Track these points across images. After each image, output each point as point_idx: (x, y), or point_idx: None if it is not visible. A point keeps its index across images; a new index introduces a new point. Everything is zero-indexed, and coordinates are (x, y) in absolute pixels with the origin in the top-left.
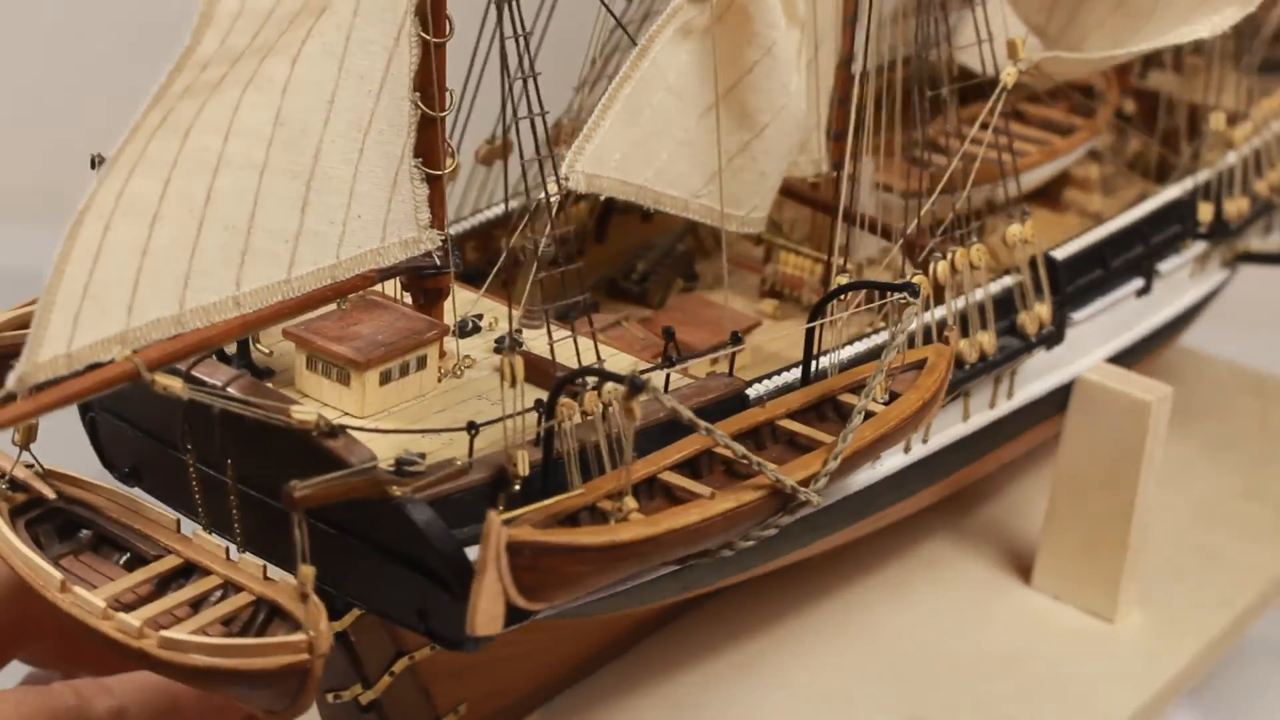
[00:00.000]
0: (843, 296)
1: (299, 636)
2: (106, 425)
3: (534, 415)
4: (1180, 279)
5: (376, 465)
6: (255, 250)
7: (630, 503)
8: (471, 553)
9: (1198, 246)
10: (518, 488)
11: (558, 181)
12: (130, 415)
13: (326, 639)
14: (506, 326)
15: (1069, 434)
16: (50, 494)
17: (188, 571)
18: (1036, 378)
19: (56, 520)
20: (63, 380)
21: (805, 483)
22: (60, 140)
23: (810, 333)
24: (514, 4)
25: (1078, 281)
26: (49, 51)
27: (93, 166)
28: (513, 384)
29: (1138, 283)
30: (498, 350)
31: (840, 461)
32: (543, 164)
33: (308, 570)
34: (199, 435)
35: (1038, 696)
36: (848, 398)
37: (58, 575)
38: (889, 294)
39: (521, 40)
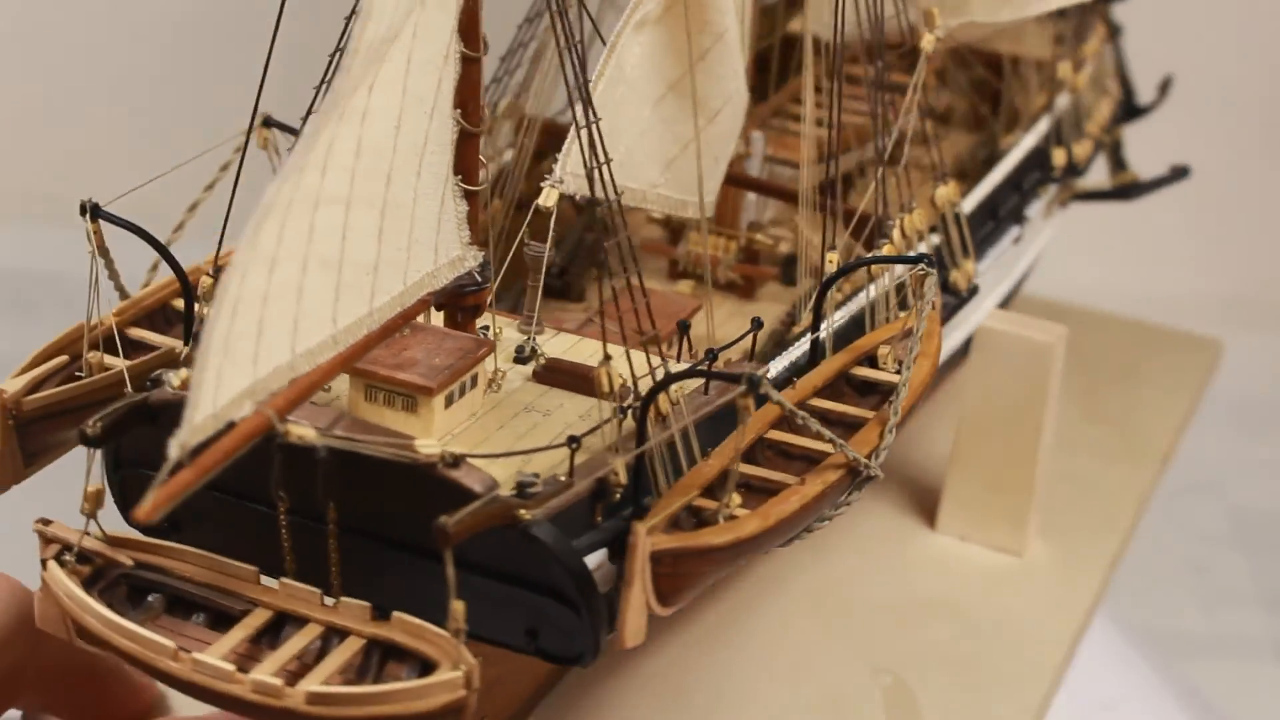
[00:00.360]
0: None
1: (454, 673)
2: (138, 481)
3: (613, 422)
4: (1038, 224)
5: (499, 490)
6: (346, 285)
7: (736, 498)
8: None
9: (1051, 190)
10: (618, 496)
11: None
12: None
13: (478, 673)
14: (513, 337)
15: (973, 381)
16: (128, 561)
17: (279, 623)
18: (952, 332)
19: (123, 586)
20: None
21: (869, 457)
22: (59, 140)
23: (819, 310)
24: (564, 15)
25: (978, 234)
26: (48, 51)
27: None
28: (609, 393)
29: (1015, 230)
30: (519, 360)
31: (894, 433)
32: (601, 172)
33: (459, 605)
34: (291, 480)
35: (984, 634)
36: (860, 371)
37: (170, 643)
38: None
39: (578, 49)
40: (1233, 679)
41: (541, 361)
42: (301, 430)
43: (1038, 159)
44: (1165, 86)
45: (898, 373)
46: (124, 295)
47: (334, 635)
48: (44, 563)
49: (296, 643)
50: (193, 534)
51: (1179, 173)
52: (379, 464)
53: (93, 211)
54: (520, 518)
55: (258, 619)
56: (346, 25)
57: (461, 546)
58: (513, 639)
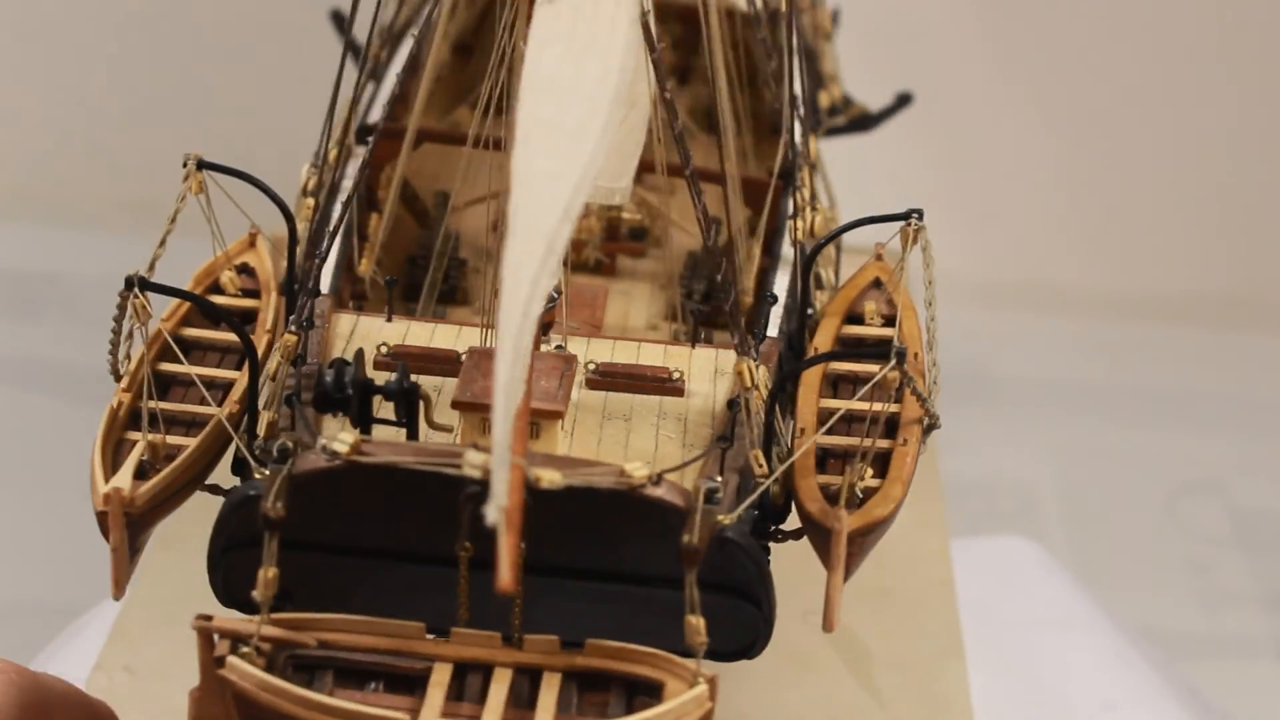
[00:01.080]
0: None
1: (701, 687)
2: (242, 559)
3: (756, 420)
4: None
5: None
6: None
7: (869, 470)
8: None
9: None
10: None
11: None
12: (294, 536)
13: (714, 682)
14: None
15: None
16: (310, 641)
17: (459, 674)
18: None
19: (289, 668)
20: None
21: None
22: (59, 140)
23: (807, 279)
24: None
25: None
26: (48, 51)
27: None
28: (751, 386)
29: None
30: None
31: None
32: (693, 181)
33: (697, 620)
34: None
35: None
36: (850, 329)
37: (403, 715)
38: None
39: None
40: (1233, 679)
41: (591, 368)
42: (550, 474)
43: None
44: (902, 100)
45: (888, 325)
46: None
47: (523, 676)
48: (219, 660)
49: (499, 690)
50: (312, 599)
51: (903, 100)
52: (579, 494)
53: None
54: (719, 524)
55: (444, 674)
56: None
57: (638, 558)
58: (677, 643)
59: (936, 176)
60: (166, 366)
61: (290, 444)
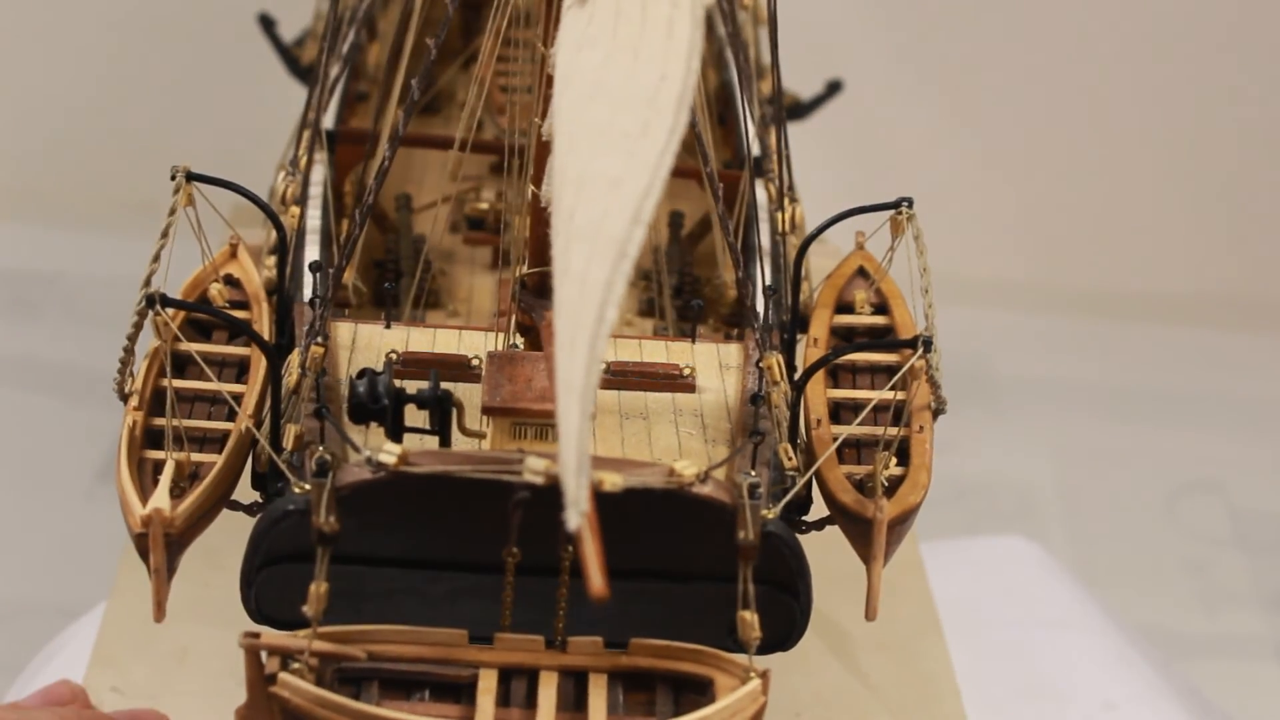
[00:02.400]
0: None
1: (755, 681)
2: (284, 576)
3: (781, 412)
4: None
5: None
6: None
7: (893, 459)
8: None
9: None
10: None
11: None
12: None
13: (767, 676)
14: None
15: None
16: (360, 654)
17: (505, 678)
18: None
19: (335, 681)
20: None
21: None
22: (56, 140)
23: (798, 271)
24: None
25: None
26: (46, 52)
27: None
28: (776, 381)
29: None
30: None
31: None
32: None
33: (751, 616)
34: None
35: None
36: (842, 319)
37: None
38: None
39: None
40: (1233, 679)
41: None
42: (612, 477)
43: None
44: (832, 89)
45: (879, 313)
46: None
47: (568, 678)
48: (269, 678)
49: (548, 694)
50: (341, 615)
51: (833, 88)
52: (629, 494)
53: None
54: (763, 519)
55: (491, 681)
56: None
57: (679, 555)
58: (715, 638)
59: (937, 175)
60: (178, 383)
61: (329, 457)
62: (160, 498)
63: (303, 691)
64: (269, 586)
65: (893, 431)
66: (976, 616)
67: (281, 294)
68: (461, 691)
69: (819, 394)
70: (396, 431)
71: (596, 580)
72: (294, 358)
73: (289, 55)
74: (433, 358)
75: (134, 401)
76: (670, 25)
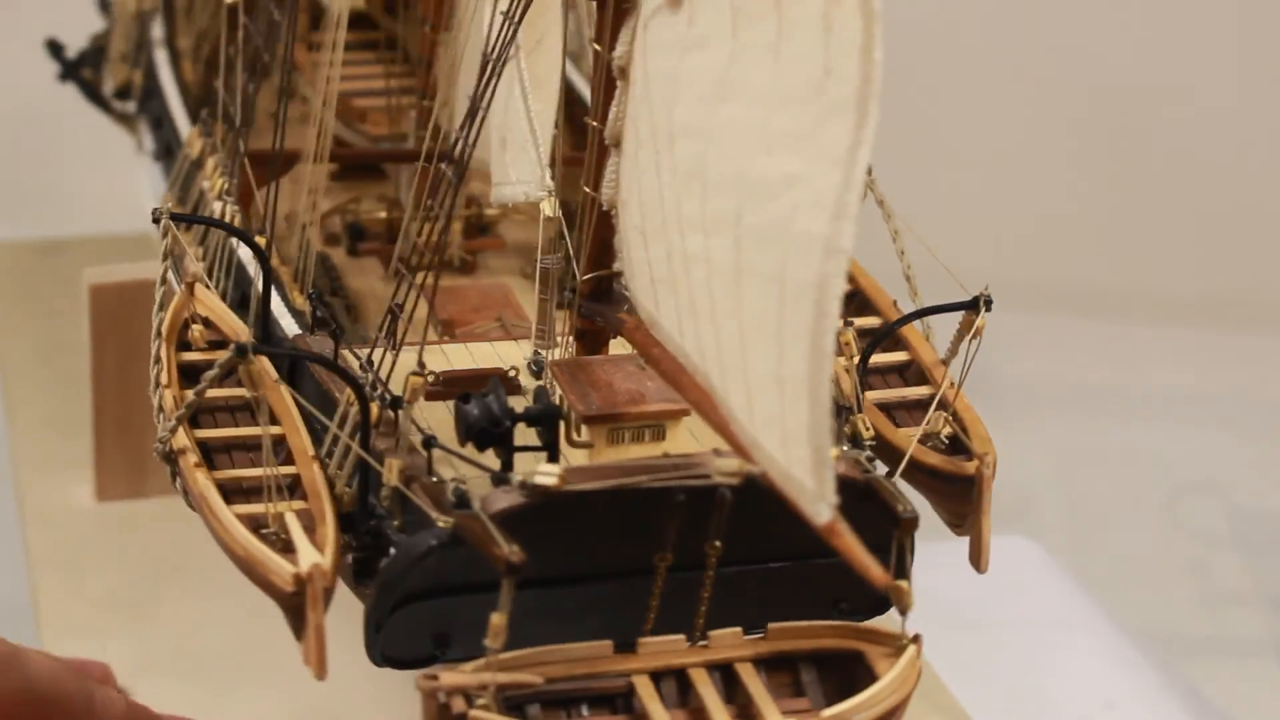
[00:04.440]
0: None
1: (910, 650)
2: (413, 615)
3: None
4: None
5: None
6: None
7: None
8: None
9: None
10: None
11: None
12: (460, 581)
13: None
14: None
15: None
16: (538, 680)
17: (656, 680)
18: None
19: (505, 706)
20: None
21: None
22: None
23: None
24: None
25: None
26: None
27: None
28: (852, 356)
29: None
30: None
31: None
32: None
33: (907, 584)
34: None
35: None
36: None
37: None
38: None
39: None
40: (1233, 679)
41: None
42: (752, 466)
43: None
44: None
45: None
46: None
47: (720, 670)
48: (460, 717)
49: (708, 691)
50: (471, 641)
51: None
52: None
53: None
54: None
55: (648, 686)
56: None
57: (796, 536)
58: (823, 611)
59: (936, 174)
60: (207, 432)
61: (464, 487)
62: (309, 553)
63: None
64: (397, 627)
65: (949, 390)
66: (976, 616)
67: (264, 322)
68: (617, 701)
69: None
70: (512, 452)
71: (878, 571)
72: (350, 394)
73: (84, 82)
74: (472, 374)
75: (192, 459)
76: (828, 20)
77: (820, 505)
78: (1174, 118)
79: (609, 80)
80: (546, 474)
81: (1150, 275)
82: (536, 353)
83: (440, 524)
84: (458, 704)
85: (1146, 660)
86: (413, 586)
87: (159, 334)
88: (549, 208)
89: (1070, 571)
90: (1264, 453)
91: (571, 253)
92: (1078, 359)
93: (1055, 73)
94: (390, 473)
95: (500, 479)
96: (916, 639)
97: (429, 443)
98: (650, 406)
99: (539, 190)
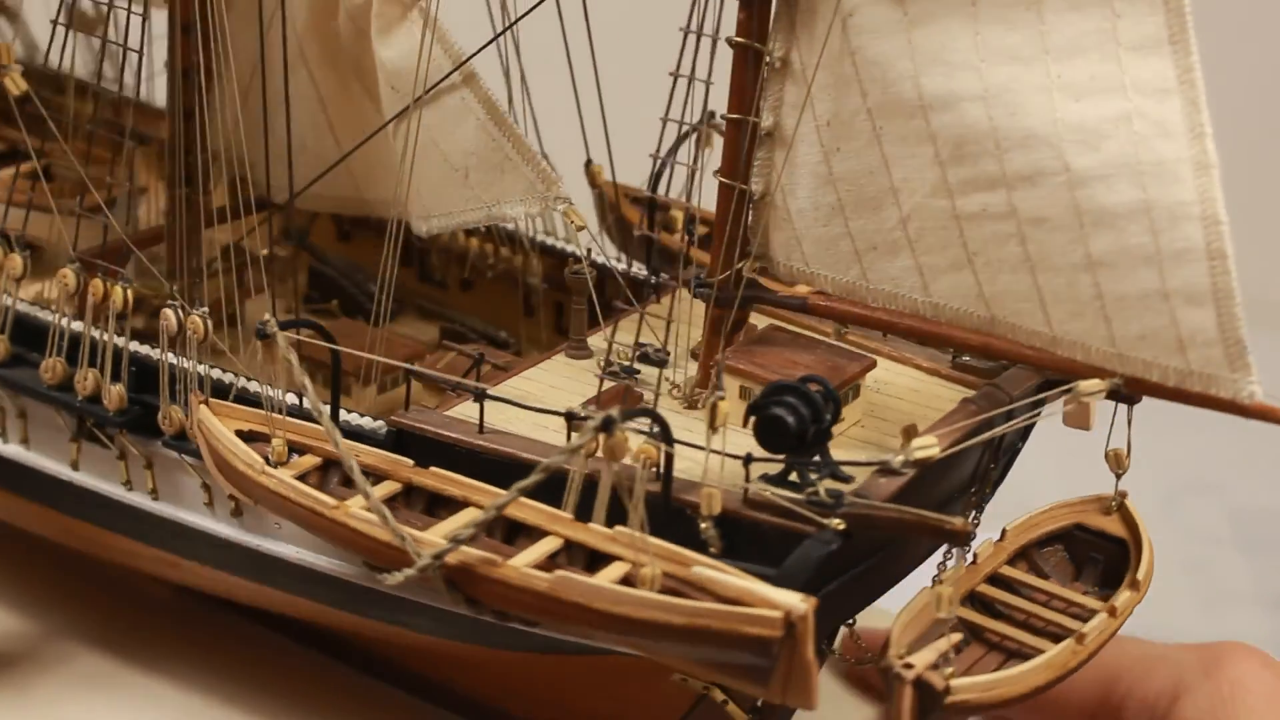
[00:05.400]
0: None
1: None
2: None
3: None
4: None
5: None
6: None
7: None
8: None
9: None
10: None
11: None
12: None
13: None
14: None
15: None
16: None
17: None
18: None
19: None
20: None
21: None
22: None
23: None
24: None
25: None
26: None
27: None
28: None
29: None
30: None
31: None
32: None
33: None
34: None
35: None
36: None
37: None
38: None
39: None
40: None
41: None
42: None
43: None
44: None
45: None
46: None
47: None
48: (945, 691)
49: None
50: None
51: None
52: None
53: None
54: None
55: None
56: None
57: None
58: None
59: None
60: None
61: (837, 488)
62: (783, 597)
63: (975, 684)
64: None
65: None
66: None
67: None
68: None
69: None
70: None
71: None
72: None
73: None
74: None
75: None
76: (1169, 31)
77: (1248, 387)
78: None
79: (750, 76)
80: (926, 446)
81: None
82: (640, 345)
83: (830, 525)
84: (937, 678)
85: None
86: (814, 589)
87: None
88: (576, 217)
89: None
90: (1264, 453)
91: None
92: None
93: None
94: (710, 504)
95: (885, 468)
96: (1125, 494)
97: (749, 459)
98: (851, 371)
99: (556, 203)
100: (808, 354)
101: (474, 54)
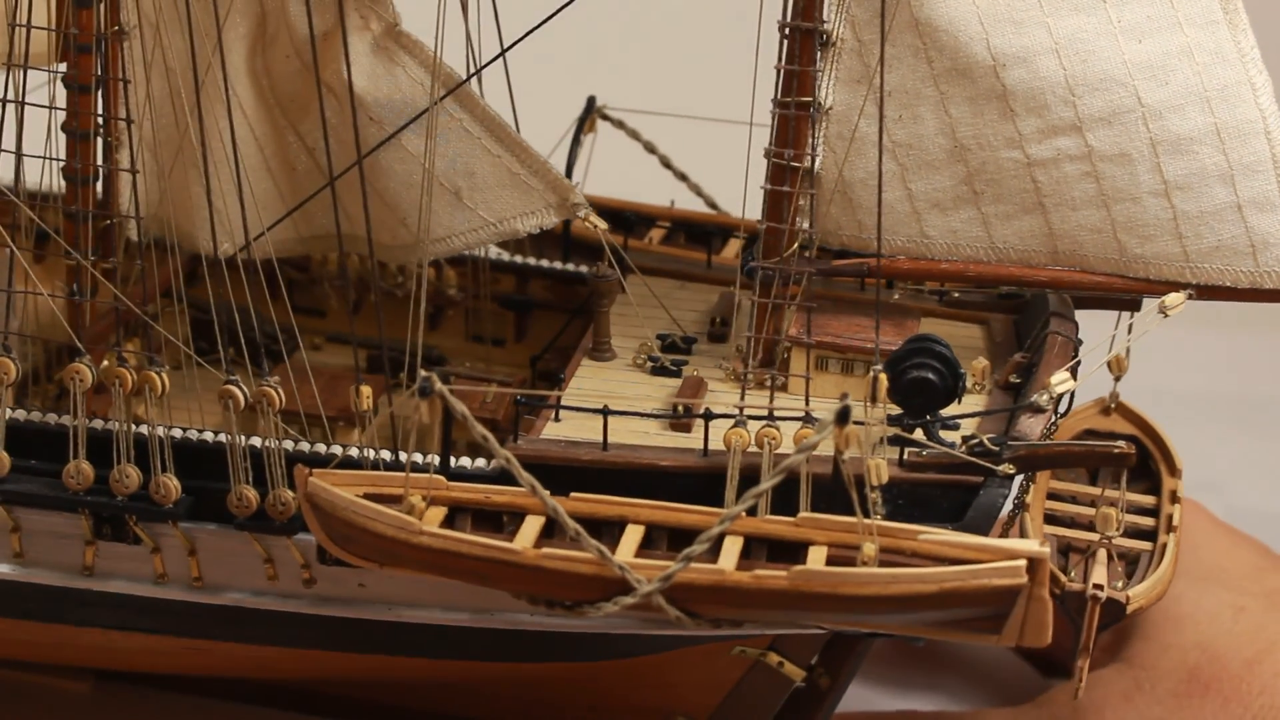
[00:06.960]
0: None
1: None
2: None
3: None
4: None
5: None
6: None
7: None
8: None
9: None
10: None
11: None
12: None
13: None
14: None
15: None
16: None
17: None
18: None
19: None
20: None
21: None
22: None
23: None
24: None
25: None
26: None
27: None
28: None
29: None
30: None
31: None
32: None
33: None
34: None
35: None
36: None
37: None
38: None
39: None
40: None
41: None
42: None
43: None
44: None
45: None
46: None
47: None
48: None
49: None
50: None
51: None
52: None
53: None
54: None
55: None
56: None
57: None
58: None
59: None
60: None
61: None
62: (1023, 544)
63: (1142, 591)
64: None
65: None
66: None
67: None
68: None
69: None
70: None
71: None
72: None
73: None
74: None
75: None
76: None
77: None
78: None
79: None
80: (1063, 382)
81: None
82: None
83: (1002, 472)
84: (1119, 595)
85: None
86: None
87: None
88: (597, 221)
89: None
90: (1264, 453)
91: None
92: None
93: None
94: (877, 473)
95: (1032, 405)
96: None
97: (931, 427)
98: (911, 324)
99: (575, 210)
100: (863, 316)
101: (469, 77)
